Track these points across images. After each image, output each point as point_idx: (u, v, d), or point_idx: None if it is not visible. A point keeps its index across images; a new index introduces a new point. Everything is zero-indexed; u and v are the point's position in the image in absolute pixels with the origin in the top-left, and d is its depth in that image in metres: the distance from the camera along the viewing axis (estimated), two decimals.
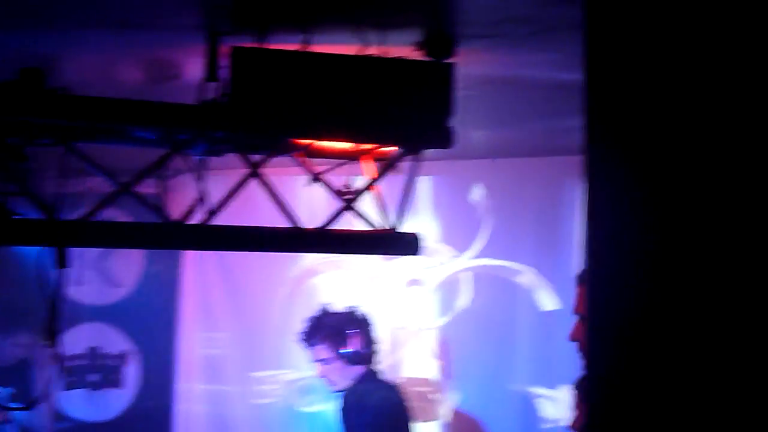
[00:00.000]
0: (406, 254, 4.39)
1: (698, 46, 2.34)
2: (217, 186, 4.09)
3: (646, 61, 2.40)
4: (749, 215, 2.28)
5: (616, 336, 2.40)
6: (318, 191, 4.31)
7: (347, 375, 5.65)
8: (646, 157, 2.38)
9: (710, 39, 2.33)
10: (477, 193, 6.74)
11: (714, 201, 2.31)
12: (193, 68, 4.09)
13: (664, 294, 2.34)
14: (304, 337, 5.74)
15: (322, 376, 5.73)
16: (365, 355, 5.68)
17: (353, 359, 5.64)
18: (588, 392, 2.53)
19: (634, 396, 2.35)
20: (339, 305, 5.83)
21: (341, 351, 5.63)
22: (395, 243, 4.31)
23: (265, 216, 4.20)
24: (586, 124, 2.47)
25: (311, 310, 5.83)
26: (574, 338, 4.63)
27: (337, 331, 5.65)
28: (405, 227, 4.33)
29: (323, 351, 5.67)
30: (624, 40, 2.43)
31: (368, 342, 5.71)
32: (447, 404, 6.83)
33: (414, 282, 6.92)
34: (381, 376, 5.75)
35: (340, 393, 5.61)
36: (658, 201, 2.36)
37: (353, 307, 5.81)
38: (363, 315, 5.76)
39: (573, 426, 4.63)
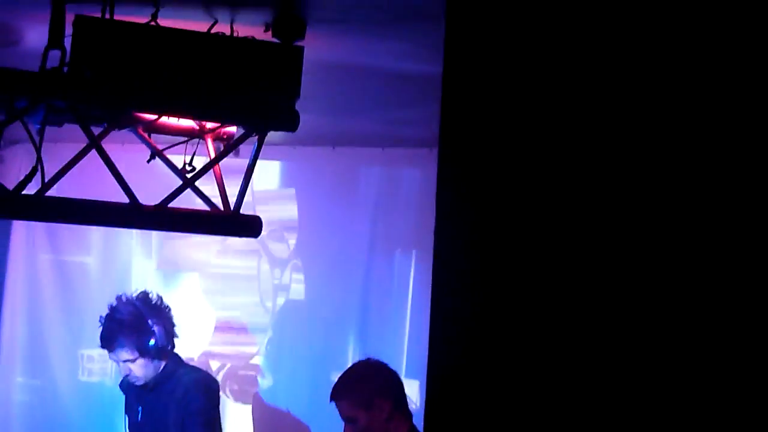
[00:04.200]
0: (245, 236, 4.36)
1: (562, 48, 2.34)
2: (56, 157, 3.98)
3: (507, 59, 2.39)
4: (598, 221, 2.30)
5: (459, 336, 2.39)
6: (160, 168, 4.24)
7: (154, 368, 5.54)
8: (500, 159, 2.37)
9: (574, 41, 2.34)
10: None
11: (577, 204, 2.31)
12: (39, 36, 3.98)
13: (506, 296, 2.34)
14: (105, 343, 5.52)
15: (126, 375, 5.58)
16: (169, 346, 5.57)
17: (159, 354, 5.53)
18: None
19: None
20: (130, 294, 5.64)
21: (146, 347, 5.46)
22: (236, 225, 4.26)
23: (106, 191, 4.10)
24: (442, 119, 2.45)
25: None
26: None
27: (137, 327, 5.46)
28: (246, 210, 4.29)
29: (127, 352, 5.47)
30: (486, 37, 2.42)
31: (169, 330, 5.57)
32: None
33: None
34: (184, 362, 5.70)
35: (148, 386, 5.53)
36: (509, 203, 2.35)
37: (146, 292, 5.64)
38: (158, 302, 5.60)
39: None
